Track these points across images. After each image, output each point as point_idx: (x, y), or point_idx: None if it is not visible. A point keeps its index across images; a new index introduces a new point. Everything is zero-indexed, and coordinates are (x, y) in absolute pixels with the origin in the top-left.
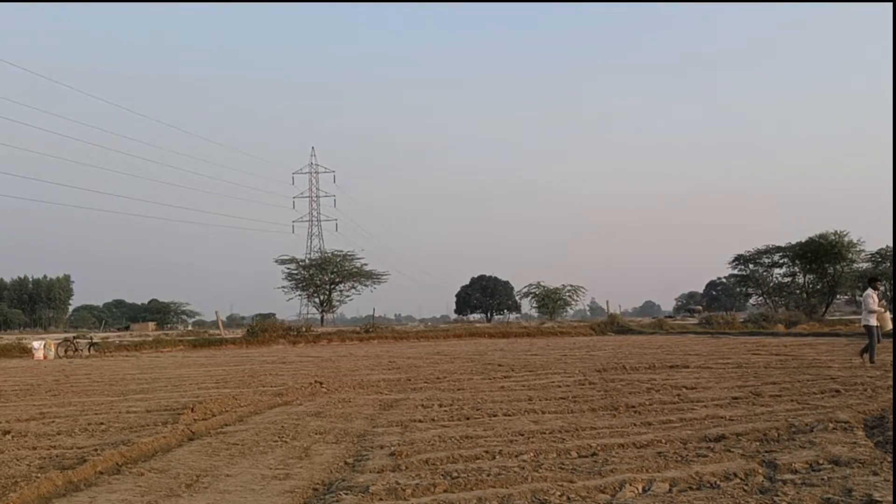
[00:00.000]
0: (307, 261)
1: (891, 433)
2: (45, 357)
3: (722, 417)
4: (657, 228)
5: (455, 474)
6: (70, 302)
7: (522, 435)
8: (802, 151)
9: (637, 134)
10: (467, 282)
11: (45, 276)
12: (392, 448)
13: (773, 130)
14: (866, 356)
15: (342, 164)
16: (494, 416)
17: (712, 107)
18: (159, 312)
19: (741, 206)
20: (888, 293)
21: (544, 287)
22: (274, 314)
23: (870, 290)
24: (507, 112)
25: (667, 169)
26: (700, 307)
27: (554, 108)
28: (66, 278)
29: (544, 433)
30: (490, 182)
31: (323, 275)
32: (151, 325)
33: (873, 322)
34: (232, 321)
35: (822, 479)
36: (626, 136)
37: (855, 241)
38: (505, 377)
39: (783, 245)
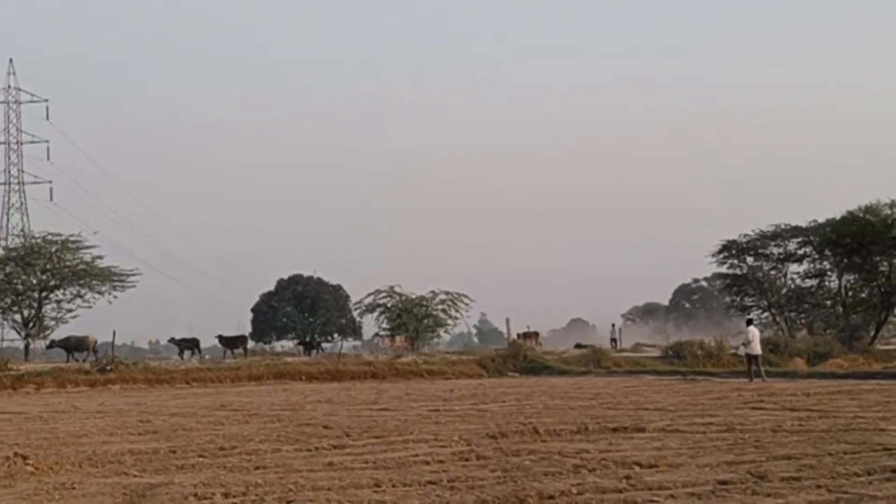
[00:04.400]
0: (2, 251)
1: None
2: None
3: None
4: (591, 207)
5: None
6: None
7: None
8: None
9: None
10: (272, 287)
11: None
12: None
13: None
14: None
15: (61, 86)
16: None
17: None
18: None
19: (727, 166)
20: None
21: (401, 296)
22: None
23: None
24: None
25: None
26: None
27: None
28: None
29: None
30: (306, 139)
31: (28, 274)
32: None
33: None
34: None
35: None
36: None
37: None
38: (335, 448)
39: (804, 225)
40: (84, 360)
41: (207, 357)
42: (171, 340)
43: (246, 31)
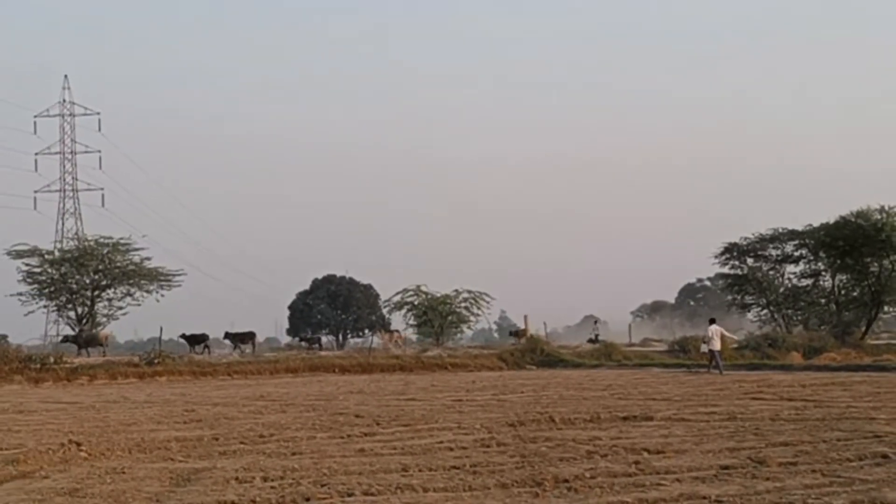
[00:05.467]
0: (57, 253)
1: None
2: None
3: (704, 498)
4: (603, 210)
5: None
6: None
7: None
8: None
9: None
10: (307, 286)
11: None
12: None
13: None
14: None
15: (113, 102)
16: (349, 495)
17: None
18: None
19: (730, 173)
20: None
21: (427, 294)
22: (5, 336)
23: None
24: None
25: (617, 126)
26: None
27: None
28: None
29: None
30: (342, 147)
31: (82, 274)
32: None
33: None
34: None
35: None
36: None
37: None
38: (365, 435)
39: (800, 229)
40: (102, 354)
41: (248, 351)
42: (227, 335)
43: (294, 48)
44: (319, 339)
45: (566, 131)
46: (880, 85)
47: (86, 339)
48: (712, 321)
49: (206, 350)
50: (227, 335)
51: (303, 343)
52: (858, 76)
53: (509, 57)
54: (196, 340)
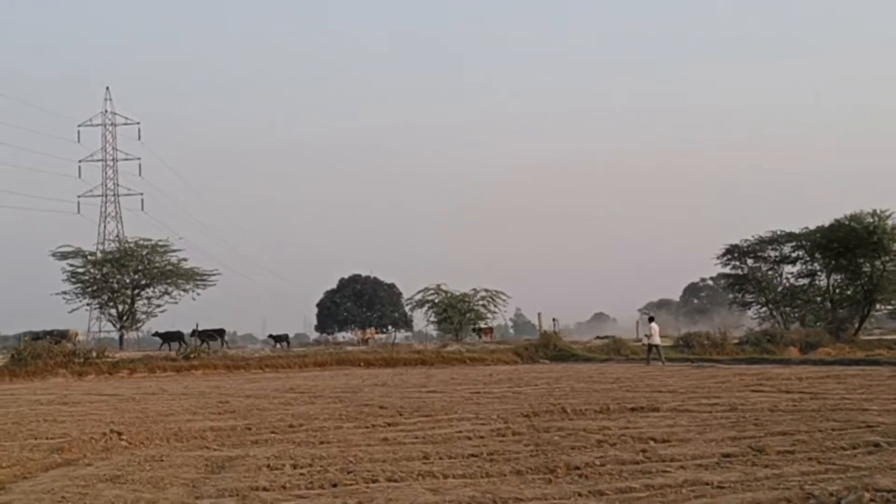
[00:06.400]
0: (99, 254)
1: None
2: None
3: (707, 484)
4: (612, 213)
5: None
6: None
7: None
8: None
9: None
10: (334, 285)
11: None
12: None
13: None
14: None
15: (151, 112)
16: (374, 481)
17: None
18: None
19: (731, 179)
20: None
21: (447, 293)
22: (51, 332)
23: None
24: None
25: (622, 136)
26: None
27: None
28: None
29: None
30: (366, 152)
31: (123, 274)
32: None
33: None
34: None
35: None
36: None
37: None
38: (389, 425)
39: (797, 231)
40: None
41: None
42: (270, 336)
43: (328, 61)
44: (287, 337)
45: (578, 139)
46: (873, 93)
47: (56, 338)
48: (651, 319)
49: (222, 345)
50: (193, 332)
51: (271, 340)
52: (855, 84)
53: (525, 68)
54: (170, 338)
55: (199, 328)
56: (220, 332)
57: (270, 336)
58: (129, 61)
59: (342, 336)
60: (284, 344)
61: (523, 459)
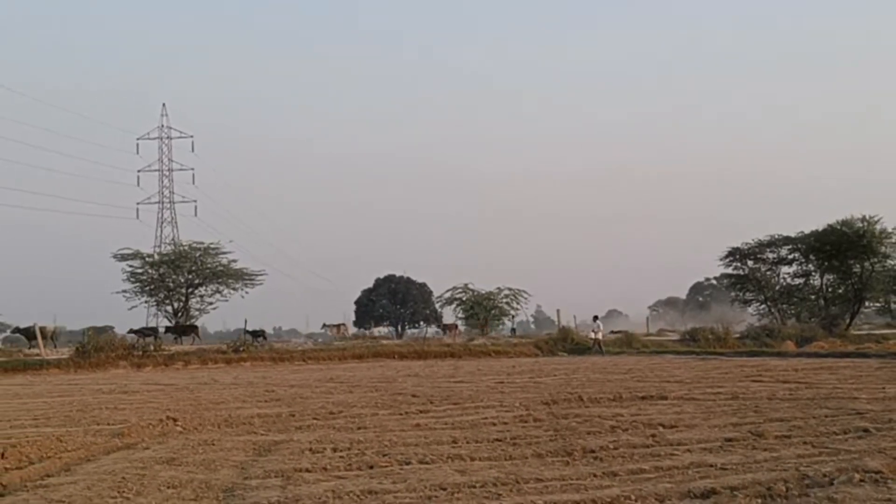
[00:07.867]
0: (156, 256)
1: None
2: None
3: (711, 466)
4: (624, 217)
5: None
6: None
7: (444, 489)
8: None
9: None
10: (371, 284)
11: None
12: None
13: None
14: None
15: (203, 125)
16: (407, 463)
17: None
18: None
19: (733, 186)
20: None
21: (473, 291)
22: (112, 327)
23: None
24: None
25: (631, 144)
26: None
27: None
28: None
29: (473, 487)
30: (401, 160)
31: (178, 274)
32: None
33: None
34: (56, 337)
35: None
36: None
37: (890, 229)
38: (421, 412)
39: (793, 235)
40: (46, 347)
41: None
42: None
43: (364, 76)
44: (264, 333)
45: (591, 147)
46: (865, 103)
47: (34, 332)
48: (595, 318)
49: (193, 340)
50: (167, 329)
51: (248, 337)
52: (848, 92)
53: (549, 81)
54: (144, 334)
55: (247, 328)
56: (194, 328)
57: (246, 331)
58: (183, 77)
59: (377, 331)
60: (261, 339)
61: (543, 443)
